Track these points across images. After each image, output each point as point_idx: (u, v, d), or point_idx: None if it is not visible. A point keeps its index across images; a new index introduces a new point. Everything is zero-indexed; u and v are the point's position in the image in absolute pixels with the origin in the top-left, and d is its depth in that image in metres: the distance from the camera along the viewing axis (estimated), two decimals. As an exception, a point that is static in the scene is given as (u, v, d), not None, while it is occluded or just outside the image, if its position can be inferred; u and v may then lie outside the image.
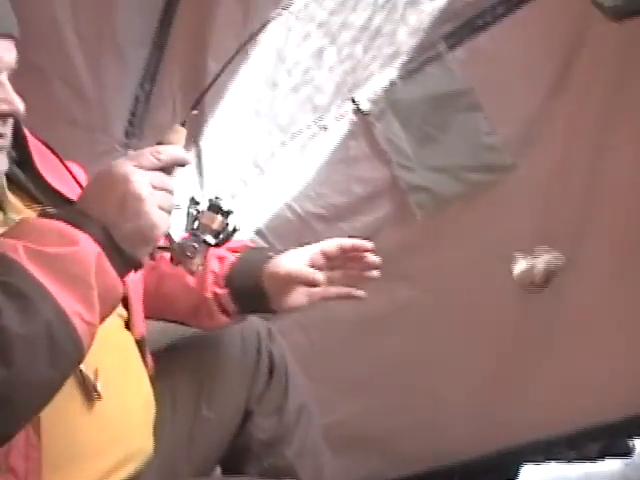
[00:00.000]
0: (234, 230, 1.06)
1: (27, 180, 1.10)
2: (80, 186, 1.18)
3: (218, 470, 1.37)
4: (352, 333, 1.78)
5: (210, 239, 1.03)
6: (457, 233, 1.72)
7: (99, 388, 1.02)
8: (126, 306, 1.16)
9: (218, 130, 1.77)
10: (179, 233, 1.03)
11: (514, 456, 1.80)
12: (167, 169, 0.91)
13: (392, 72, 1.69)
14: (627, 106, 1.60)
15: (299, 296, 1.26)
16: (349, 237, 1.29)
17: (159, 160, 0.90)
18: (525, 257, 1.62)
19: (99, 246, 0.85)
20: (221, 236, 1.04)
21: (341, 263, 1.28)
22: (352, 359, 1.79)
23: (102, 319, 0.88)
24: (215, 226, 1.03)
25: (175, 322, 1.36)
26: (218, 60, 1.67)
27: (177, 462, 1.25)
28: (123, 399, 1.09)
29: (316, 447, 1.37)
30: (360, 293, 1.29)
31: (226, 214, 1.04)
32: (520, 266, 1.63)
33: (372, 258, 1.27)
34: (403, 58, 1.68)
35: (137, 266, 0.91)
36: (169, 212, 0.90)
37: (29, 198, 1.09)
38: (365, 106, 1.72)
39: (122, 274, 0.89)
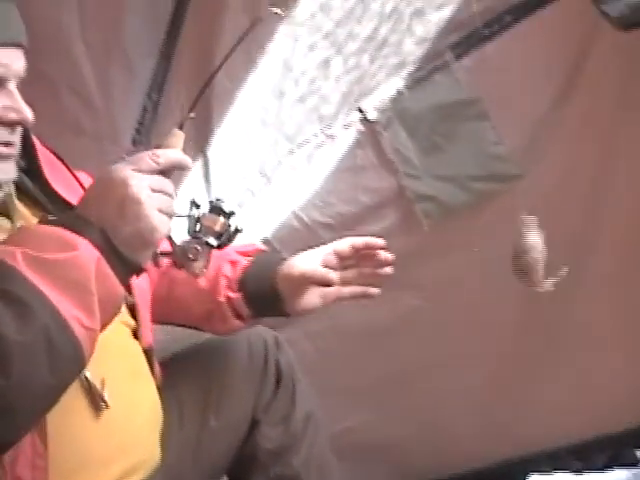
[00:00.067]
0: (236, 231, 1.05)
1: (35, 189, 1.11)
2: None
3: (225, 479, 1.37)
4: (359, 342, 1.78)
5: (212, 241, 1.02)
6: (464, 242, 1.72)
7: (106, 397, 1.02)
8: (134, 315, 1.16)
9: (225, 139, 1.77)
10: (181, 237, 1.02)
11: (521, 466, 1.79)
12: (166, 172, 0.91)
13: (399, 81, 1.70)
14: (633, 114, 1.60)
15: (313, 297, 1.25)
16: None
17: (158, 163, 0.90)
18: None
19: (98, 251, 0.85)
20: (223, 237, 1.04)
21: (354, 262, 1.27)
22: (359, 368, 1.79)
23: (104, 325, 0.88)
24: (217, 228, 1.03)
25: (187, 327, 1.36)
26: (225, 70, 1.67)
27: (184, 471, 1.25)
28: (130, 408, 1.09)
29: (323, 456, 1.36)
30: (374, 291, 1.27)
31: (228, 215, 1.04)
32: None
33: (385, 255, 1.26)
34: (410, 68, 1.69)
35: (138, 270, 0.91)
36: (169, 215, 0.90)
37: (37, 207, 1.10)
38: (372, 115, 1.72)
39: (123, 279, 0.88)
